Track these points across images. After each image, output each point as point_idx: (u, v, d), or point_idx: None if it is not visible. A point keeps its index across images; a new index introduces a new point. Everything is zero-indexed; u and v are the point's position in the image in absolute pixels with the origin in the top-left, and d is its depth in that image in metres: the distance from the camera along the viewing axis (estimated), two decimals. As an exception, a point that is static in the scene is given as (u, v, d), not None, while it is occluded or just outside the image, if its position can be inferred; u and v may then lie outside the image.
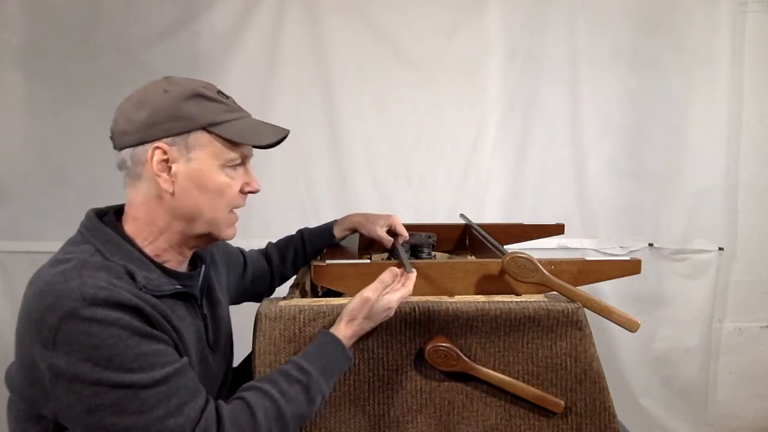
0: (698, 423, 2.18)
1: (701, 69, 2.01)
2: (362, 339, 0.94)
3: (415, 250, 1.36)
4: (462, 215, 1.53)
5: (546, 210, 2.06)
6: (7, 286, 1.92)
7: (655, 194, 2.09)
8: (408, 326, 0.94)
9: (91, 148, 1.77)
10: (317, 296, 1.28)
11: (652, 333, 2.13)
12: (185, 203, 0.81)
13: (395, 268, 0.92)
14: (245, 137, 0.83)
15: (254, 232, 1.81)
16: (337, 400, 0.95)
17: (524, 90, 2.05)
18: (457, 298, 0.97)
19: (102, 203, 0.89)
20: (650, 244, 2.12)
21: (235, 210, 0.87)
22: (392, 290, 0.90)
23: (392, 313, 0.90)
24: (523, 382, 0.95)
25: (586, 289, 0.97)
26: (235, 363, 1.18)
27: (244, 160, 0.86)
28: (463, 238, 1.54)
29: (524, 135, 2.07)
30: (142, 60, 1.88)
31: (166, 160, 0.79)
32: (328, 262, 1.02)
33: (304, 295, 1.16)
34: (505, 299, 0.95)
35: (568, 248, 2.09)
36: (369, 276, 1.01)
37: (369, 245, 1.50)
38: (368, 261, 1.28)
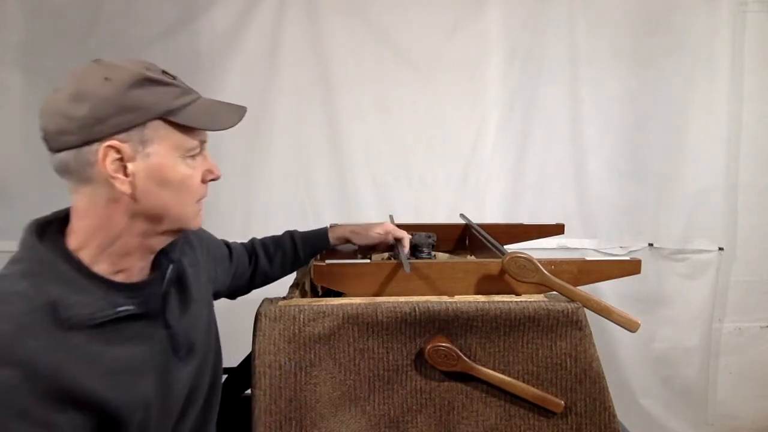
0: (698, 423, 2.18)
1: (701, 69, 2.01)
2: (362, 339, 0.94)
3: (415, 250, 1.36)
4: (462, 215, 1.53)
5: (546, 210, 2.06)
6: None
7: (655, 194, 2.09)
8: (408, 326, 0.94)
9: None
10: (317, 296, 1.28)
11: (652, 333, 2.13)
12: (148, 203, 0.73)
13: None
14: (206, 122, 0.75)
15: (254, 232, 1.80)
16: (337, 400, 0.95)
17: (524, 90, 2.05)
18: (457, 298, 0.97)
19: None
20: (650, 244, 2.12)
21: (201, 198, 0.80)
22: None
23: None
24: (523, 382, 0.95)
25: (586, 289, 0.97)
26: (235, 363, 1.18)
27: (202, 147, 0.78)
28: (463, 238, 1.54)
29: (524, 135, 2.07)
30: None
31: (121, 159, 0.70)
32: (328, 262, 1.02)
33: (304, 295, 1.16)
34: (505, 299, 0.95)
35: (568, 248, 2.09)
36: (369, 276, 1.01)
37: (369, 245, 1.50)
38: (368, 261, 1.28)
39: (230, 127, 0.77)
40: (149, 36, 1.91)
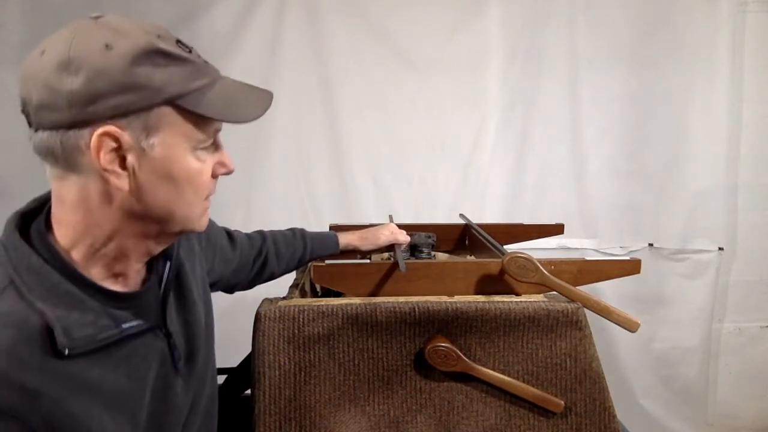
0: (698, 423, 2.18)
1: (701, 69, 2.01)
2: (362, 339, 0.94)
3: (414, 250, 1.36)
4: (462, 215, 1.53)
5: (546, 210, 2.06)
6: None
7: (655, 194, 2.09)
8: (408, 326, 0.94)
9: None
10: (317, 296, 1.28)
11: (652, 333, 2.13)
12: (149, 202, 0.61)
13: None
14: (226, 112, 0.63)
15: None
16: (337, 400, 0.95)
17: (524, 90, 2.05)
18: (457, 298, 0.97)
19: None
20: (650, 244, 2.12)
21: (211, 195, 0.69)
22: None
23: None
24: (523, 382, 0.95)
25: (586, 289, 0.97)
26: (235, 363, 1.18)
27: (215, 137, 0.66)
28: (463, 238, 1.54)
29: (524, 135, 2.07)
30: None
31: (119, 148, 0.58)
32: (327, 262, 1.03)
33: (304, 295, 1.16)
34: (505, 299, 0.95)
35: (568, 248, 2.09)
36: (369, 276, 1.01)
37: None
38: (368, 261, 1.28)
39: (254, 120, 0.66)
40: (149, 36, 1.91)
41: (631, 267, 1.05)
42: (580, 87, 2.04)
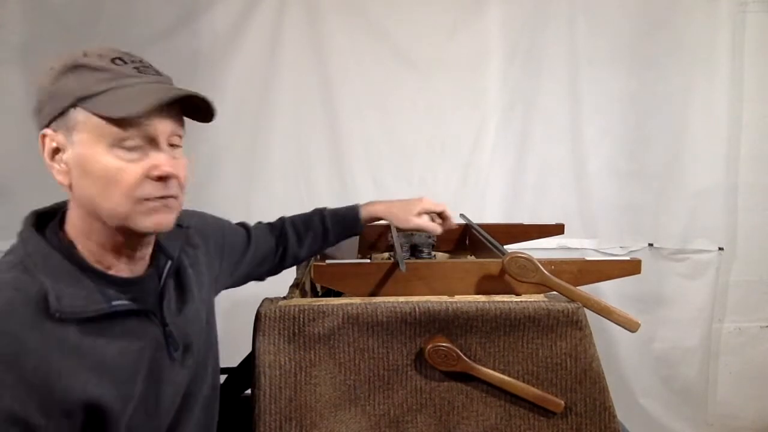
0: (698, 423, 2.18)
1: (701, 69, 2.01)
2: (362, 339, 0.94)
3: (415, 250, 1.36)
4: (462, 215, 1.53)
5: (546, 210, 2.06)
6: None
7: (655, 194, 2.09)
8: (408, 326, 0.94)
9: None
10: (317, 296, 1.28)
11: (652, 333, 2.14)
12: (80, 195, 0.69)
13: None
14: (119, 108, 0.65)
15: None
16: (337, 400, 0.95)
17: (524, 90, 2.05)
18: (457, 298, 0.97)
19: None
20: (650, 244, 2.12)
21: (154, 196, 0.69)
22: None
23: None
24: (523, 382, 0.95)
25: (586, 289, 0.97)
26: (235, 363, 1.18)
27: (148, 138, 0.68)
28: (463, 238, 1.54)
29: (524, 135, 2.07)
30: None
31: (58, 149, 0.68)
32: (328, 261, 1.02)
33: (304, 295, 1.16)
34: (505, 299, 0.95)
35: (568, 248, 2.09)
36: (369, 276, 1.01)
37: (370, 245, 1.50)
38: (368, 261, 1.28)
39: (136, 114, 0.65)
40: (149, 36, 1.91)
41: (631, 267, 1.05)
42: (580, 87, 2.04)
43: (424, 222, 1.13)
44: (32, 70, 1.90)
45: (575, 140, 2.07)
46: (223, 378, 1.09)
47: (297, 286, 1.15)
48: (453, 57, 2.01)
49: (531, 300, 0.95)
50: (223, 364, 0.98)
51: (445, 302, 0.94)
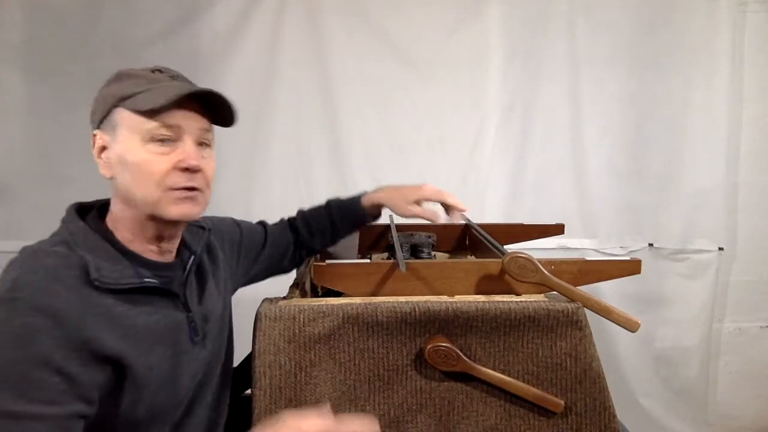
0: (698, 423, 2.18)
1: (701, 69, 2.01)
2: (362, 339, 0.94)
3: (415, 250, 1.36)
4: (462, 215, 1.53)
5: (546, 210, 2.06)
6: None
7: (655, 194, 2.09)
8: (408, 326, 0.94)
9: (91, 148, 1.77)
10: (317, 296, 1.28)
11: (652, 333, 2.13)
12: (120, 186, 0.79)
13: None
14: (148, 102, 0.75)
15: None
16: (337, 400, 0.95)
17: (524, 90, 2.05)
18: (457, 298, 0.97)
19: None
20: (650, 244, 2.12)
21: (182, 188, 0.78)
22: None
23: None
24: (523, 381, 0.95)
25: (586, 289, 0.97)
26: (235, 363, 1.18)
27: (177, 133, 0.78)
28: (463, 238, 1.54)
29: (524, 135, 2.07)
30: (142, 60, 1.85)
31: (104, 147, 0.79)
32: (328, 261, 1.02)
33: (304, 295, 1.16)
34: (505, 299, 0.95)
35: (568, 248, 2.09)
36: (369, 276, 1.01)
37: (370, 245, 1.50)
38: (368, 261, 1.28)
39: (164, 104, 0.75)
40: (149, 36, 1.91)
41: (631, 267, 1.05)
42: (580, 87, 2.04)
43: (420, 210, 1.13)
44: (32, 70, 1.91)
45: (575, 140, 2.07)
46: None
47: (297, 286, 1.15)
48: (453, 57, 2.01)
49: (531, 300, 0.95)
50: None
51: (445, 302, 0.94)
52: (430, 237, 1.37)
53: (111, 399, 0.74)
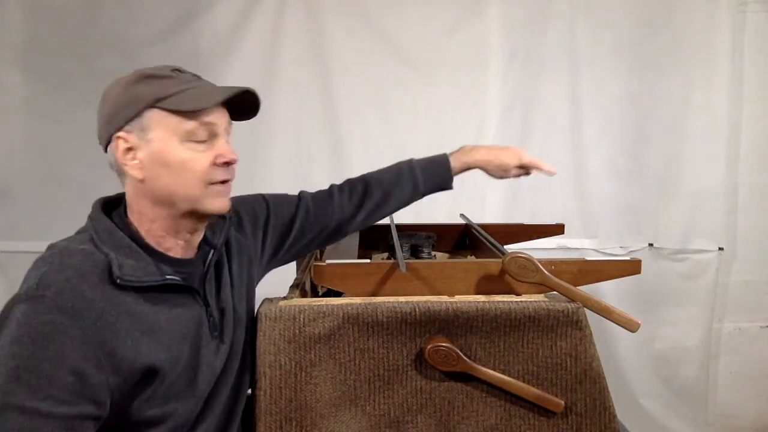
0: (698, 423, 2.18)
1: (701, 69, 2.01)
2: (362, 339, 0.94)
3: (415, 250, 1.36)
4: (462, 215, 1.53)
5: (546, 210, 2.06)
6: (7, 286, 1.92)
7: (655, 194, 2.09)
8: (408, 326, 0.94)
9: (91, 148, 1.75)
10: (317, 296, 1.28)
11: (652, 333, 2.13)
12: (158, 186, 0.79)
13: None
14: (192, 103, 0.78)
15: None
16: (338, 400, 0.95)
17: (524, 90, 2.05)
18: (457, 298, 0.97)
19: (101, 203, 0.89)
20: (650, 244, 2.13)
21: (220, 181, 0.82)
22: None
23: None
24: (523, 382, 0.95)
25: (586, 289, 0.97)
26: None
27: (211, 131, 0.81)
28: (463, 238, 1.54)
29: (524, 135, 2.07)
30: (142, 60, 1.86)
31: (130, 148, 0.79)
32: (328, 261, 1.02)
33: (304, 295, 1.16)
34: (505, 299, 0.95)
35: (568, 248, 2.09)
36: (369, 276, 1.01)
37: (370, 245, 1.50)
38: (368, 261, 1.28)
39: (213, 104, 0.79)
40: (149, 36, 1.91)
41: (631, 267, 1.05)
42: (580, 87, 2.04)
43: (519, 172, 1.16)
44: (32, 70, 1.91)
45: (575, 140, 2.07)
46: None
47: (297, 286, 1.15)
48: (453, 57, 2.01)
49: (531, 300, 0.95)
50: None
51: (445, 302, 0.94)
52: (430, 237, 1.38)
53: (133, 396, 0.76)
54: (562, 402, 0.94)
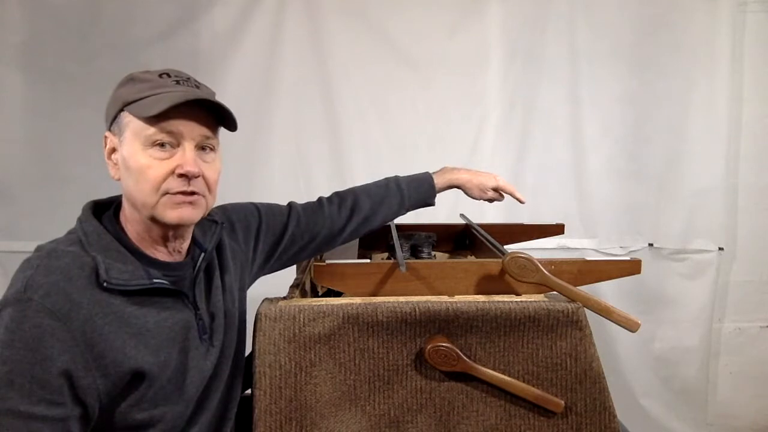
0: (698, 423, 2.18)
1: (701, 69, 2.01)
2: (362, 339, 0.94)
3: (415, 250, 1.36)
4: (462, 215, 1.53)
5: (546, 210, 2.06)
6: (7, 286, 1.92)
7: (655, 194, 2.09)
8: (408, 326, 0.94)
9: (91, 148, 1.76)
10: (317, 296, 1.28)
11: (652, 333, 2.14)
12: (125, 189, 0.80)
13: None
14: (146, 109, 0.76)
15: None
16: (338, 400, 0.95)
17: (524, 90, 2.05)
18: (457, 298, 0.97)
19: (102, 203, 0.89)
20: (650, 244, 2.13)
21: (179, 192, 0.78)
22: None
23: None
24: (523, 382, 0.95)
25: (586, 289, 0.97)
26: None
27: (177, 139, 0.78)
28: (463, 238, 1.54)
29: (524, 135, 2.07)
30: (142, 60, 1.88)
31: (114, 148, 0.80)
32: (328, 261, 1.02)
33: (304, 295, 1.16)
34: (505, 299, 0.95)
35: (568, 248, 2.09)
36: (369, 276, 1.01)
37: (370, 245, 1.50)
38: (368, 261, 1.28)
39: (158, 111, 0.75)
40: (149, 36, 1.91)
41: (631, 267, 1.05)
42: (580, 87, 2.04)
43: (495, 195, 1.25)
44: (32, 70, 1.91)
45: (575, 140, 2.07)
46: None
47: (297, 286, 1.15)
48: (453, 57, 2.01)
49: (531, 300, 0.95)
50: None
51: (445, 302, 0.94)
52: (430, 237, 1.38)
53: (121, 398, 0.76)
54: (562, 402, 0.94)
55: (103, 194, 0.92)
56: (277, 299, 1.00)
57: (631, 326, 0.93)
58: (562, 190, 2.09)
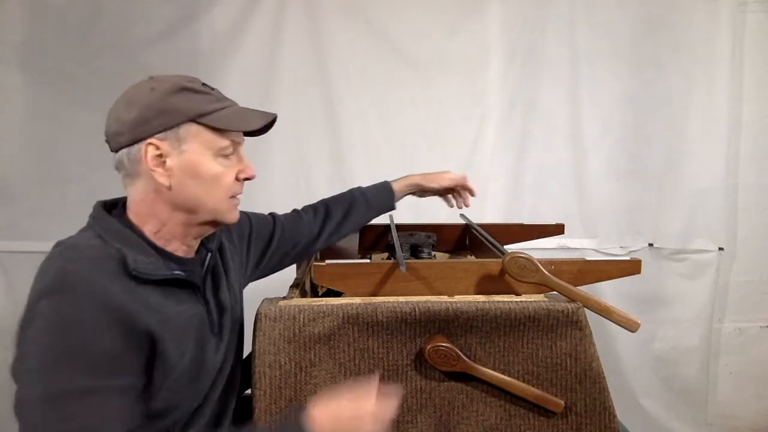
0: (698, 423, 2.18)
1: (701, 69, 2.01)
2: (362, 339, 0.94)
3: (415, 250, 1.36)
4: (462, 215, 1.53)
5: (546, 210, 2.06)
6: (8, 286, 1.92)
7: (655, 194, 2.09)
8: (408, 326, 0.94)
9: (91, 148, 1.76)
10: (317, 296, 1.28)
11: (652, 333, 2.13)
12: (184, 195, 0.83)
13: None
14: (233, 124, 0.85)
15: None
16: (337, 400, 0.95)
17: (524, 90, 2.05)
18: (457, 298, 0.97)
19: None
20: (650, 244, 2.12)
21: (236, 194, 0.89)
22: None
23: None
24: (523, 381, 0.95)
25: (586, 289, 0.97)
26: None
27: (235, 148, 0.87)
28: (463, 238, 1.54)
29: (524, 135, 2.07)
30: (142, 60, 1.88)
31: (160, 155, 0.81)
32: (328, 261, 1.02)
33: (304, 295, 1.16)
34: (505, 299, 0.95)
35: (568, 248, 2.09)
36: (369, 276, 1.01)
37: (370, 245, 1.50)
38: (368, 261, 1.28)
39: (256, 129, 0.88)
40: (149, 36, 1.91)
41: (631, 267, 1.05)
42: (580, 87, 2.04)
43: (453, 179, 1.30)
44: (32, 70, 1.91)
45: (575, 140, 2.07)
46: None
47: (297, 286, 1.15)
48: (453, 57, 2.01)
49: (531, 300, 0.95)
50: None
51: (445, 302, 0.94)
52: (430, 237, 1.38)
53: (147, 382, 0.78)
54: (562, 402, 0.94)
55: (104, 193, 0.93)
56: (277, 299, 1.00)
57: (631, 326, 0.93)
58: (562, 190, 2.09)
